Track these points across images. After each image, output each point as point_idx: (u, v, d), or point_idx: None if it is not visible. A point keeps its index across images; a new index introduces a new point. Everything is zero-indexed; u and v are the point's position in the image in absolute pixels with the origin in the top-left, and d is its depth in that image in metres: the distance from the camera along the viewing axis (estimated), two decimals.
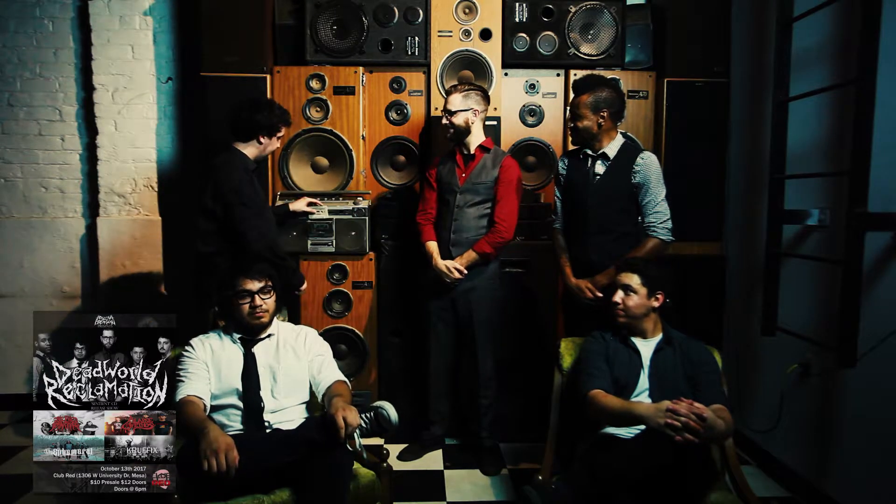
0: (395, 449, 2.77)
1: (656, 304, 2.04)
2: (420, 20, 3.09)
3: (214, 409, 1.92)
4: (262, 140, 2.51)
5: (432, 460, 2.83)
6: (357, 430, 1.81)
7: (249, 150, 2.52)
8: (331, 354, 2.11)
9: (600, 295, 2.37)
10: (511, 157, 2.75)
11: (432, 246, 2.72)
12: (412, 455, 2.79)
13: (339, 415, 1.73)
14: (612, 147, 2.45)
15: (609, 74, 3.10)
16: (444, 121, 2.68)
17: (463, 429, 2.96)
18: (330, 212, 2.93)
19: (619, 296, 2.03)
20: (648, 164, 2.39)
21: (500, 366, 2.85)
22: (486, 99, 2.74)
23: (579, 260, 2.49)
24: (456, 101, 2.65)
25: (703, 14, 3.04)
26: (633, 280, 2.02)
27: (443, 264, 2.65)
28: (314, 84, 3.05)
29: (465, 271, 2.64)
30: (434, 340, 2.80)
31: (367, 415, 1.84)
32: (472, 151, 2.71)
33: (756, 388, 2.88)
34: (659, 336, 2.05)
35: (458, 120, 2.65)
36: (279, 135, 2.57)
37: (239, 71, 2.98)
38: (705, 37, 3.04)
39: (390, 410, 1.85)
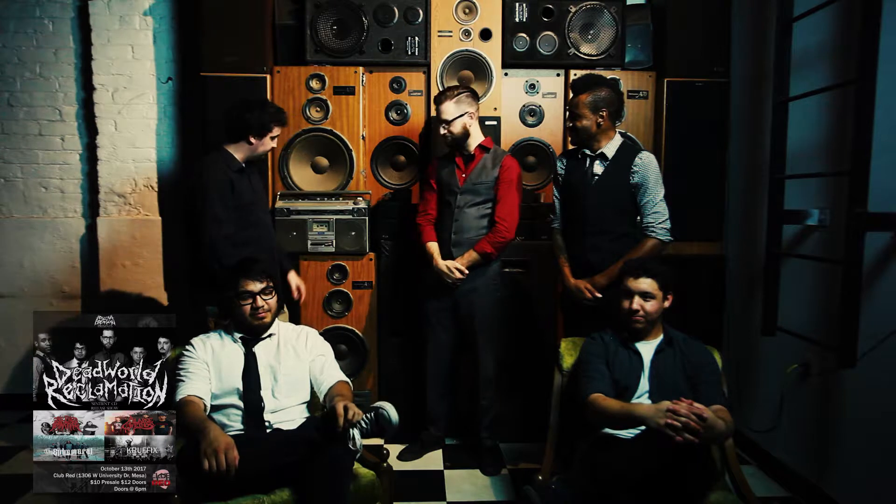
0: (394, 449, 2.77)
1: (667, 304, 2.04)
2: (420, 20, 3.09)
3: (215, 408, 1.92)
4: (252, 140, 2.45)
5: (432, 460, 2.83)
6: (357, 430, 1.81)
7: (239, 150, 2.47)
8: (332, 355, 2.11)
9: (599, 295, 2.37)
10: (511, 157, 2.72)
11: (433, 247, 2.71)
12: (412, 455, 2.79)
13: (339, 404, 1.73)
14: (610, 147, 2.45)
15: (609, 74, 3.09)
16: (443, 131, 2.64)
17: (463, 429, 2.96)
18: (330, 212, 2.93)
19: (637, 302, 1.98)
20: (647, 165, 2.40)
21: (500, 366, 2.84)
22: (476, 97, 2.70)
23: (578, 260, 2.49)
24: (449, 109, 2.61)
25: (703, 14, 3.04)
26: (651, 285, 1.99)
27: (444, 265, 2.64)
28: (314, 84, 3.05)
29: (467, 271, 2.64)
30: (433, 342, 2.79)
31: (368, 415, 1.83)
32: (472, 152, 2.70)
33: (756, 388, 2.88)
34: (660, 337, 2.04)
35: (457, 128, 2.63)
36: (272, 135, 2.48)
37: (239, 71, 2.98)
38: (705, 37, 3.04)
39: (391, 411, 1.83)
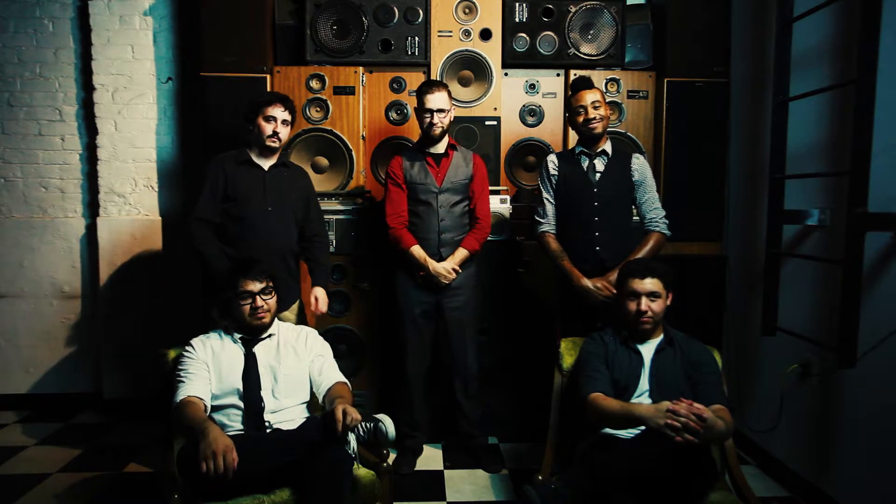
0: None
1: (668, 302, 2.04)
2: (420, 20, 3.09)
3: (215, 409, 1.92)
4: (253, 130, 2.49)
5: (432, 460, 2.82)
6: (354, 435, 1.81)
7: (251, 143, 2.52)
8: (332, 355, 2.11)
9: (615, 291, 2.36)
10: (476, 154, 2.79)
11: (421, 252, 2.63)
12: (408, 467, 2.72)
13: (339, 407, 1.74)
14: (608, 144, 2.52)
15: (609, 74, 3.11)
16: (436, 121, 2.59)
17: (455, 429, 2.89)
18: (330, 212, 2.93)
19: (645, 303, 1.97)
20: (644, 164, 2.53)
21: (500, 366, 2.83)
22: None
23: (587, 259, 2.47)
24: (445, 99, 2.60)
25: (703, 14, 3.04)
26: (657, 284, 1.98)
27: (441, 267, 2.61)
28: (314, 84, 3.05)
29: (461, 270, 2.65)
30: (414, 346, 2.72)
31: (367, 424, 1.83)
32: (445, 150, 2.69)
33: (756, 388, 2.88)
34: (660, 337, 2.04)
35: (449, 118, 2.64)
36: (265, 115, 2.44)
37: (239, 71, 2.98)
38: (705, 37, 3.04)
39: (389, 426, 1.81)
